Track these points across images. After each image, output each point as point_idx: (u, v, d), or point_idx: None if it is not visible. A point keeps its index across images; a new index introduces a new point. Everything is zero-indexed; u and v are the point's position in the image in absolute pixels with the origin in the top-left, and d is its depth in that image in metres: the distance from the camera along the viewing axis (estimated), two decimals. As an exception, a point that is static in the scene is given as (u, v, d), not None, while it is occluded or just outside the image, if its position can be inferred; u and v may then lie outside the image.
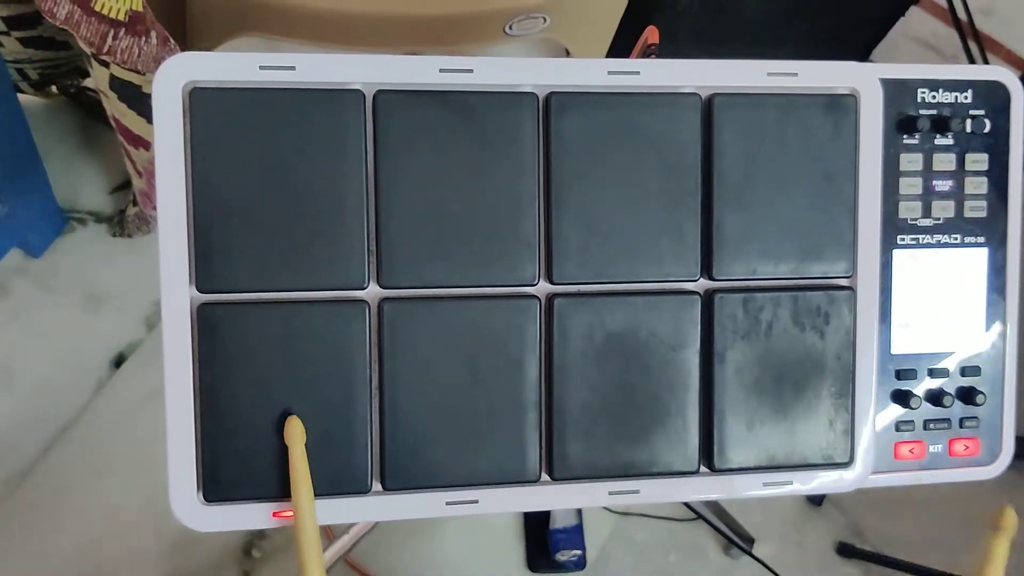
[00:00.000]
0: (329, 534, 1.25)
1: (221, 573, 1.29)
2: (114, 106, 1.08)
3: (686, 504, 1.35)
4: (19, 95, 1.35)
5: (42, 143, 1.40)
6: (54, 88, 1.48)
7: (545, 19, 1.11)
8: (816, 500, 1.43)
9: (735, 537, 1.34)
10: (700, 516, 1.38)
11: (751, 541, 1.34)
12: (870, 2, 1.55)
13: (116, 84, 1.02)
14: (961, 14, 1.72)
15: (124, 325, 1.37)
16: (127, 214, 1.42)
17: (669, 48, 0.97)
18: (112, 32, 0.85)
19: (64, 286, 1.39)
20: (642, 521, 1.39)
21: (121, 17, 0.85)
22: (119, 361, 1.37)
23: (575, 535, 1.33)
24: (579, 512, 1.35)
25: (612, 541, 1.38)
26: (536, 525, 1.34)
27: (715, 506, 1.34)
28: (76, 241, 1.42)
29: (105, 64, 1.00)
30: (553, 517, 1.33)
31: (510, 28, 1.11)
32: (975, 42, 1.72)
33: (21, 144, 1.31)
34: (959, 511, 1.48)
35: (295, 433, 0.59)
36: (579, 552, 1.32)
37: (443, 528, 1.34)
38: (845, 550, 1.41)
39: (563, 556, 1.31)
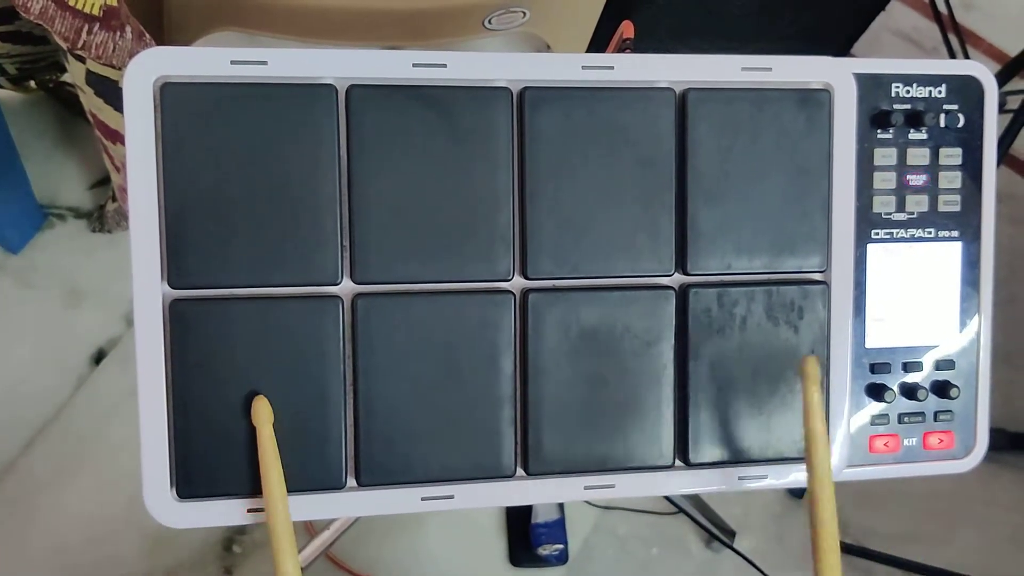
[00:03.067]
0: (310, 530, 1.25)
1: (201, 569, 1.28)
2: (91, 101, 1.07)
3: (667, 498, 1.35)
4: (-2, 91, 1.34)
5: (20, 138, 1.40)
6: (33, 83, 1.47)
7: (525, 13, 1.11)
8: (797, 493, 1.44)
9: (716, 531, 1.34)
10: (681, 510, 1.38)
11: (732, 534, 1.35)
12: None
13: (93, 79, 1.01)
14: (942, 8, 1.73)
15: (104, 321, 1.36)
16: (106, 209, 1.41)
17: (648, 43, 0.97)
18: (87, 27, 0.85)
19: (43, 282, 1.38)
20: (624, 515, 1.39)
21: (96, 12, 0.84)
22: (99, 357, 1.36)
23: (557, 529, 1.33)
24: (561, 506, 1.35)
25: (594, 535, 1.38)
26: (518, 519, 1.34)
27: (696, 500, 1.34)
28: (55, 237, 1.41)
29: (81, 59, 1.00)
30: (535, 511, 1.33)
31: (489, 23, 1.11)
32: (956, 36, 1.73)
33: (-2, 139, 1.30)
34: (939, 505, 1.49)
35: (262, 413, 0.58)
36: (561, 546, 1.33)
37: (425, 523, 1.34)
38: (826, 543, 1.42)
39: (545, 550, 1.31)
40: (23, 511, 1.28)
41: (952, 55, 1.71)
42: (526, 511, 1.34)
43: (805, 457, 0.60)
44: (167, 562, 1.27)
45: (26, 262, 1.39)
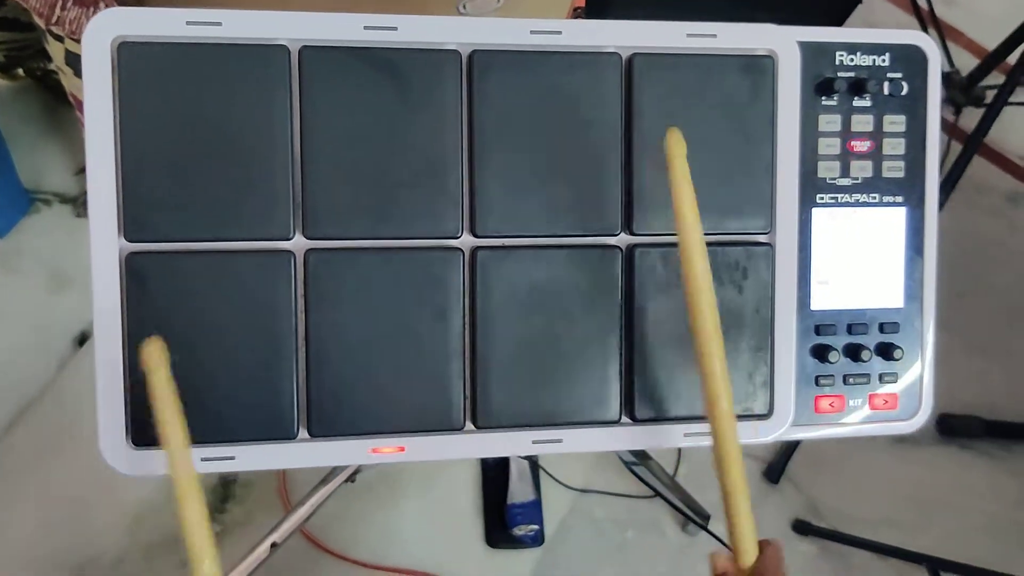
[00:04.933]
0: (286, 505, 1.26)
1: (179, 547, 1.29)
2: (71, 82, 1.09)
3: (644, 481, 1.36)
4: (-16, 77, 1.36)
5: (8, 125, 1.41)
6: (20, 71, 1.49)
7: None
8: (773, 478, 1.45)
9: (692, 514, 1.36)
10: (658, 493, 1.40)
11: (707, 518, 1.36)
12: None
13: (71, 59, 1.03)
14: (923, 3, 1.75)
15: (87, 304, 1.37)
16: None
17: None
18: (60, 2, 0.87)
19: (28, 266, 1.40)
20: (600, 498, 1.40)
21: (69, -13, 0.86)
22: (82, 340, 1.37)
23: (533, 510, 1.34)
24: (537, 487, 1.36)
25: (571, 517, 1.39)
26: (494, 500, 1.35)
27: (672, 483, 1.35)
28: (41, 221, 1.43)
29: (60, 39, 1.01)
30: (511, 492, 1.35)
31: (464, 7, 1.12)
32: (936, 30, 1.75)
33: (-16, 125, 1.32)
34: (915, 492, 1.50)
35: (153, 357, 0.56)
36: (536, 527, 1.34)
37: (402, 503, 1.35)
38: (801, 527, 1.43)
39: (520, 531, 1.33)
40: (7, 490, 1.29)
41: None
42: (502, 492, 1.35)
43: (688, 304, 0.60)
44: (147, 538, 1.29)
45: (11, 246, 1.40)
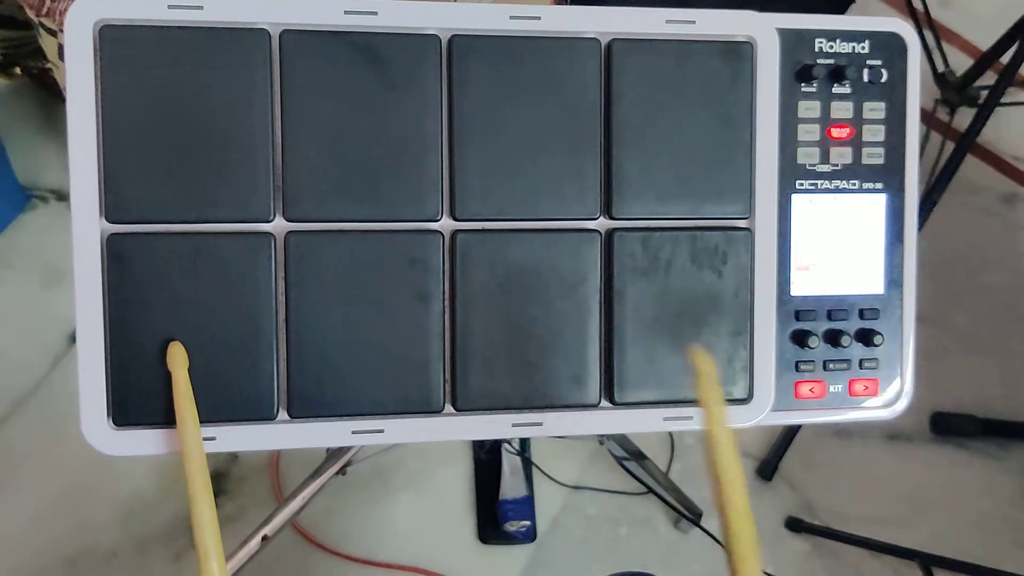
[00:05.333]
0: (278, 497, 1.27)
1: (171, 541, 1.30)
2: (64, 76, 1.10)
3: (636, 477, 1.36)
4: (-19, 76, 1.37)
5: (5, 122, 1.43)
6: (17, 69, 1.50)
7: None
8: (766, 475, 1.45)
9: (685, 511, 1.36)
10: (650, 490, 1.40)
11: (700, 515, 1.36)
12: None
13: (64, 53, 1.04)
14: (918, 5, 1.75)
15: (82, 300, 1.39)
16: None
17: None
18: (51, -7, 0.88)
19: (23, 262, 1.41)
20: (593, 495, 1.41)
21: (60, -21, 0.87)
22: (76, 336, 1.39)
23: (524, 506, 1.35)
24: (529, 483, 1.37)
25: (563, 514, 1.39)
26: (486, 496, 1.36)
27: (665, 480, 1.36)
28: (37, 218, 1.44)
29: (53, 33, 1.02)
30: (503, 488, 1.35)
31: None
32: (931, 31, 1.75)
33: (-19, 122, 1.33)
34: (908, 490, 1.50)
35: (177, 358, 0.60)
36: (528, 523, 1.34)
37: (394, 498, 1.35)
38: (795, 525, 1.43)
39: (512, 526, 1.33)
40: (0, 484, 1.30)
41: (927, 51, 1.73)
42: (494, 488, 1.35)
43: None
44: (139, 532, 1.29)
45: (7, 242, 1.41)
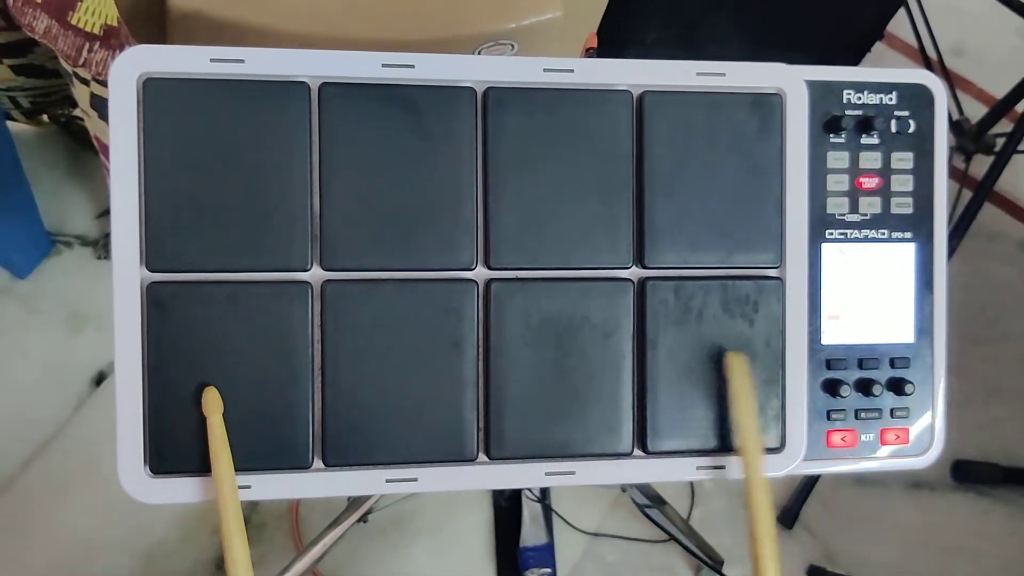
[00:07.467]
0: (297, 544, 1.26)
1: (192, 587, 1.30)
2: (95, 125, 1.12)
3: (657, 524, 1.36)
4: (11, 123, 1.39)
5: (32, 169, 1.45)
6: (45, 117, 1.53)
7: (513, 46, 1.15)
8: (788, 523, 1.44)
9: (706, 558, 1.35)
10: (672, 537, 1.39)
11: (721, 562, 1.35)
12: (834, 41, 1.59)
13: (96, 102, 1.06)
14: (932, 54, 1.77)
15: (105, 345, 1.40)
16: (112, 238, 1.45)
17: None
18: (87, 45, 0.89)
19: (48, 306, 1.42)
20: (613, 542, 1.40)
21: (96, 31, 0.89)
22: (99, 379, 1.39)
23: (545, 553, 1.34)
24: (550, 530, 1.36)
25: (583, 561, 1.38)
26: (506, 543, 1.35)
27: (686, 527, 1.35)
28: (62, 263, 1.45)
29: (86, 82, 1.04)
30: (524, 535, 1.34)
31: (479, 54, 1.15)
32: (945, 80, 1.76)
33: (8, 168, 1.35)
34: (932, 538, 1.49)
35: (212, 403, 0.61)
36: (548, 570, 1.33)
37: (414, 545, 1.35)
38: (817, 573, 1.42)
39: (533, 574, 1.32)
40: (21, 528, 1.30)
41: (943, 98, 1.74)
42: (514, 535, 1.35)
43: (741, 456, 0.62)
44: (158, 579, 1.29)
45: (33, 287, 1.43)
